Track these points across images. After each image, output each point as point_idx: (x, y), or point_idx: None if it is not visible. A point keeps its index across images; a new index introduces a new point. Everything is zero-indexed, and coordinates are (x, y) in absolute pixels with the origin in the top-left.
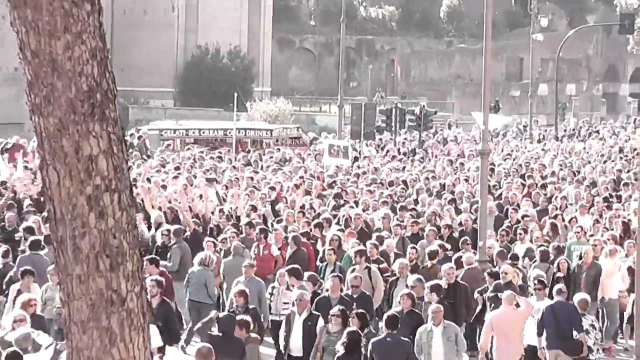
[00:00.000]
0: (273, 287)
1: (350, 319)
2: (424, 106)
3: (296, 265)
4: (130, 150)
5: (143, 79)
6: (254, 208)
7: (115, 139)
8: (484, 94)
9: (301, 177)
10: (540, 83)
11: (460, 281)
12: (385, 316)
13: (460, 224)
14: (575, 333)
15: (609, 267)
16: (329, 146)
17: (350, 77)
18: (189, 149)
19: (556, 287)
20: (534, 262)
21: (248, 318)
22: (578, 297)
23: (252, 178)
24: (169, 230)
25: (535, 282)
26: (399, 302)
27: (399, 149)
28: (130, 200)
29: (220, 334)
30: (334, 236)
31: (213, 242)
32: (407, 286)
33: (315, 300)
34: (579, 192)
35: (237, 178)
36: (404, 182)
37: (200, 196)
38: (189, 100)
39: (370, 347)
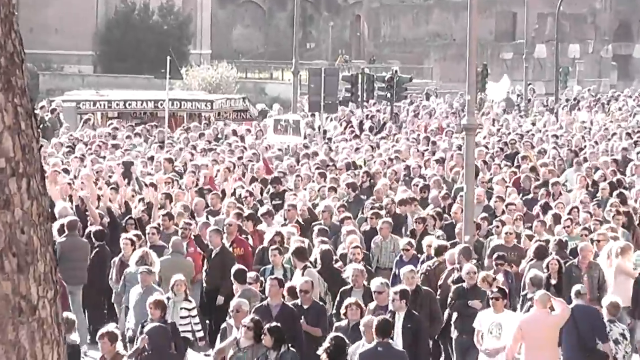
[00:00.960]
0: (168, 299)
1: (263, 335)
2: (396, 72)
3: (241, 267)
4: (41, 126)
5: (56, 40)
6: (169, 197)
7: (23, 113)
8: (469, 57)
9: (239, 159)
10: (538, 43)
11: (423, 286)
12: (375, 322)
13: (439, 215)
14: (599, 343)
15: (623, 268)
16: (274, 122)
17: (307, 37)
18: (111, 124)
19: (574, 288)
20: (530, 261)
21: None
22: (607, 300)
23: (170, 160)
24: (62, 225)
25: (494, 289)
26: (343, 315)
27: (360, 124)
28: (41, 187)
29: (152, 352)
30: (278, 232)
31: (131, 239)
32: (373, 293)
33: (253, 309)
34: (583, 176)
35: (170, 159)
36: (354, 164)
37: (108, 183)
38: (111, 65)
39: (357, 359)
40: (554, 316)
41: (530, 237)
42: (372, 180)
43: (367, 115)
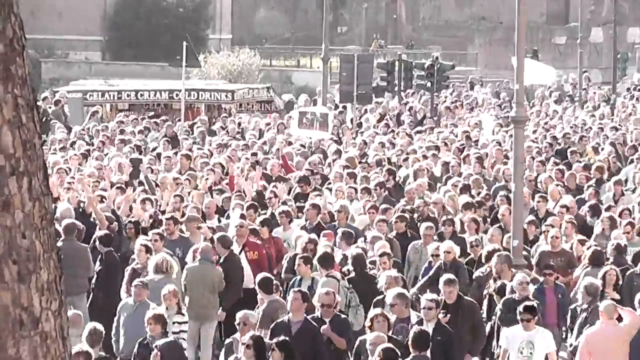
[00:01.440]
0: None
1: (270, 352)
2: (437, 58)
3: (267, 275)
4: (44, 120)
5: (60, 25)
6: (181, 199)
7: (24, 105)
8: (517, 42)
9: (253, 155)
10: (593, 27)
11: (466, 297)
12: (411, 334)
13: (483, 220)
14: None
15: None
16: (299, 114)
17: (338, 21)
18: (124, 117)
19: (638, 296)
20: (585, 268)
21: None
22: None
23: (187, 157)
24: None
25: (521, 309)
26: (368, 328)
27: (397, 116)
28: (44, 186)
29: None
30: (310, 240)
31: (146, 245)
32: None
33: (272, 325)
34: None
35: (187, 155)
36: (388, 161)
37: (113, 184)
38: (122, 52)
39: None
40: (623, 327)
41: (582, 242)
42: (395, 179)
43: (408, 107)
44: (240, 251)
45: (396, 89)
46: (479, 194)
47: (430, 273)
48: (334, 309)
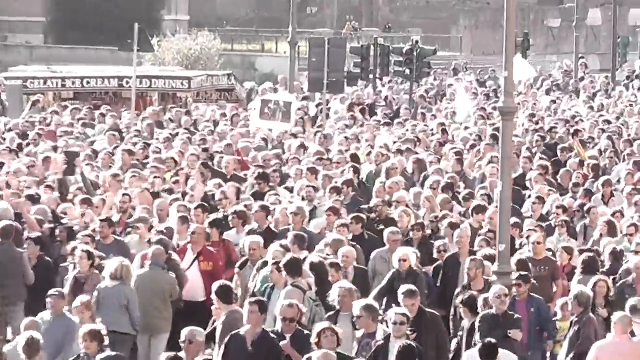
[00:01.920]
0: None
1: None
2: (416, 42)
3: (226, 282)
4: None
5: None
6: (129, 198)
7: None
8: (506, 25)
9: (204, 150)
10: (590, 7)
11: (428, 310)
12: (480, 345)
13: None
14: None
15: None
16: (261, 103)
17: (307, 0)
18: (65, 106)
19: (629, 302)
20: (578, 277)
21: None
22: None
23: (130, 152)
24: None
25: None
26: (315, 344)
27: (370, 106)
28: None
29: None
30: (282, 246)
31: (88, 251)
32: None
33: (226, 338)
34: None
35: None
36: (352, 157)
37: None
38: (66, 35)
39: None
40: (636, 343)
41: (567, 250)
42: (359, 177)
43: (383, 97)
44: (194, 260)
45: (371, 76)
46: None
47: (383, 283)
48: (297, 324)
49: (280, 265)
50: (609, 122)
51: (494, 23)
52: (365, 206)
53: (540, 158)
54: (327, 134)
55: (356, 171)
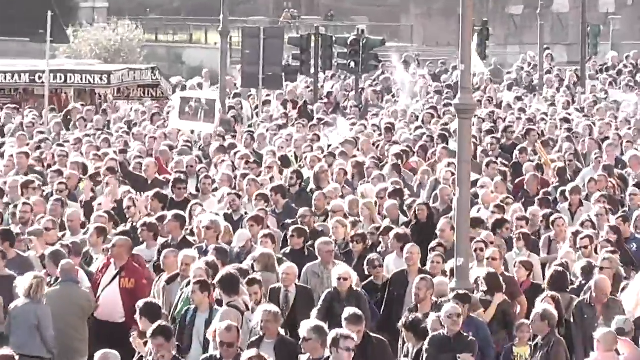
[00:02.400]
0: None
1: None
2: (362, 32)
3: (152, 300)
4: None
5: None
6: (31, 208)
7: None
8: (462, 13)
9: (121, 152)
10: None
11: (375, 335)
12: None
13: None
14: None
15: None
16: (180, 101)
17: None
18: None
19: (616, 323)
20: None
21: None
22: None
23: (27, 155)
24: None
25: None
26: None
27: (304, 105)
28: None
29: None
30: (208, 264)
31: None
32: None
33: None
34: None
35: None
36: (284, 159)
37: None
38: None
39: None
40: None
41: (526, 265)
42: (302, 184)
43: (326, 93)
44: (115, 276)
45: (312, 70)
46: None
47: (319, 305)
48: (237, 348)
49: (216, 282)
50: (567, 120)
51: (449, 11)
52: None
53: (502, 163)
54: (258, 134)
55: (299, 177)
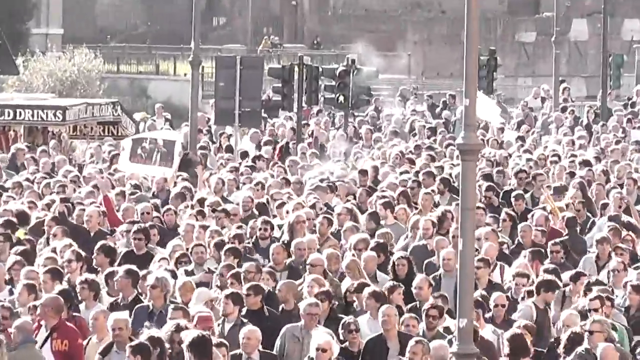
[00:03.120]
0: None
1: None
2: (353, 62)
3: None
4: None
5: None
6: None
7: None
8: (467, 40)
9: (64, 201)
10: (575, 18)
11: None
12: None
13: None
14: None
15: None
16: (132, 143)
17: (213, 9)
18: None
19: None
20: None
21: None
22: None
23: None
24: None
25: None
26: None
27: (285, 146)
28: None
29: None
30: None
31: None
32: None
33: None
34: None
35: None
36: (260, 207)
37: None
38: None
39: None
40: None
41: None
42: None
43: (309, 132)
44: (47, 338)
45: (295, 105)
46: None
47: None
48: None
49: (185, 345)
50: (587, 163)
51: (452, 38)
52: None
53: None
54: (224, 178)
55: (271, 228)
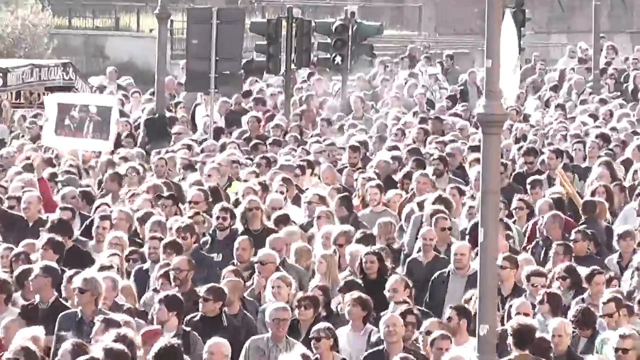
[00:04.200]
0: None
1: None
2: (353, 15)
3: None
4: None
5: None
6: None
7: None
8: None
9: None
10: None
11: None
12: None
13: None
14: None
15: None
16: (58, 110)
17: None
18: None
19: None
20: None
21: None
22: None
23: None
24: None
25: None
26: None
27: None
28: None
29: None
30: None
31: None
32: None
33: None
34: None
35: None
36: (214, 192)
37: None
38: None
39: None
40: None
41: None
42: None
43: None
44: None
45: (283, 67)
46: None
47: None
48: None
49: (151, 356)
50: (606, 138)
51: None
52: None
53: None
54: (180, 161)
55: (232, 216)
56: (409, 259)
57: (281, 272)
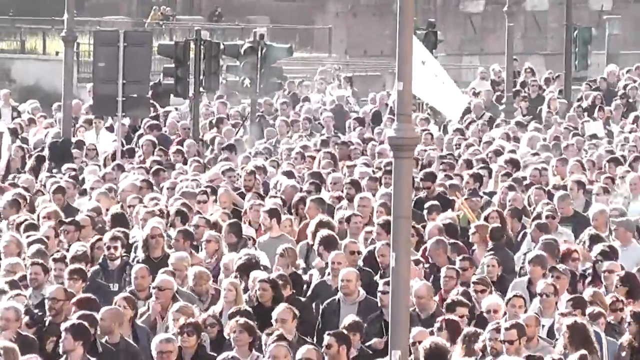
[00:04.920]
0: None
1: None
2: (262, 37)
3: None
4: None
5: None
6: None
7: None
8: (400, 9)
9: None
10: None
11: None
12: None
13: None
14: None
15: None
16: None
17: None
18: None
19: None
20: None
21: None
22: None
23: None
24: None
25: None
26: None
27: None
28: None
29: None
30: None
31: None
32: None
33: None
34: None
35: None
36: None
37: None
38: None
39: None
40: None
41: None
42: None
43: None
44: None
45: (191, 90)
46: None
47: None
48: None
49: None
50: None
51: (382, 7)
52: None
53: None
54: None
55: (123, 245)
56: (316, 282)
57: (181, 303)
